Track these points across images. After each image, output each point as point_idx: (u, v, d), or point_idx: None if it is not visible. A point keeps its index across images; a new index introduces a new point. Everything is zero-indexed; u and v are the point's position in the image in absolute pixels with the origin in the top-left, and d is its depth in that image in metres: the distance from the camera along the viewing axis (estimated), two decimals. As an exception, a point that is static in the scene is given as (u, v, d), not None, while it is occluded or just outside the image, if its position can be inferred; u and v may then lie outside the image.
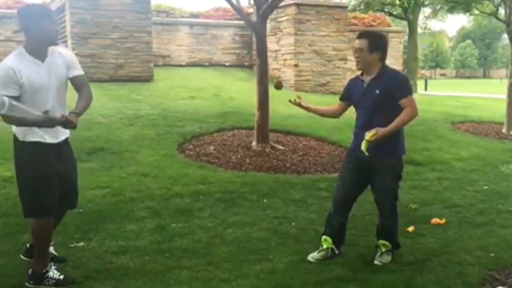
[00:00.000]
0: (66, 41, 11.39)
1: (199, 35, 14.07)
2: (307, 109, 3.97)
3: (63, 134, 3.31)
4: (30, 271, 3.32)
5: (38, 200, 3.21)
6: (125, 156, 6.62)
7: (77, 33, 10.96)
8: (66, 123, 3.06)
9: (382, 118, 3.58)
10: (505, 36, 12.79)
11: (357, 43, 3.70)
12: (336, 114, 4.06)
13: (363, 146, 3.57)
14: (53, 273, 3.31)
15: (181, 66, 13.54)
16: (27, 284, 3.28)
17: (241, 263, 3.71)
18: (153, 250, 3.89)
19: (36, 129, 3.14)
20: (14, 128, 3.20)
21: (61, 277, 3.31)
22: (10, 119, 3.00)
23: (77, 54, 10.87)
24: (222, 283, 3.38)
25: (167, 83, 11.65)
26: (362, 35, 3.74)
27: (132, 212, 4.80)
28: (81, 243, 4.01)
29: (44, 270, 3.29)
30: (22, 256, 3.59)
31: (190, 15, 14.76)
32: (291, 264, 3.72)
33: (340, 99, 4.00)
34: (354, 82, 3.88)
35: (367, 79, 3.72)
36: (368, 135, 3.52)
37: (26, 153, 3.20)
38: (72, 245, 3.95)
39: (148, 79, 11.66)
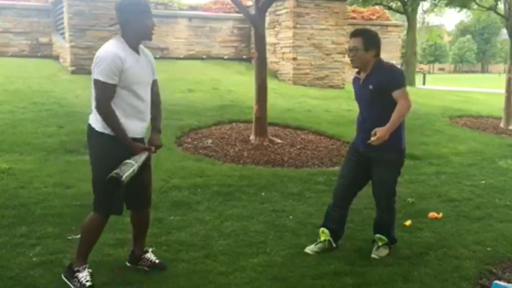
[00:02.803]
0: (64, 33, 11.34)
1: (197, 28, 14.02)
2: None
3: None
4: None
5: None
6: (123, 148, 6.59)
7: (75, 25, 10.90)
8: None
9: (380, 112, 3.61)
10: (504, 31, 12.80)
11: (352, 41, 3.68)
12: None
13: None
14: (83, 276, 3.11)
15: (179, 59, 13.50)
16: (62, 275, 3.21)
17: (239, 256, 3.72)
18: (151, 243, 3.88)
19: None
20: None
21: (88, 283, 3.08)
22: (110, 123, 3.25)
23: (74, 46, 11.02)
24: (219, 276, 3.38)
25: (165, 76, 11.57)
26: (356, 33, 3.72)
27: (130, 205, 4.78)
28: (79, 235, 3.99)
29: (76, 268, 3.15)
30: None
31: (188, 7, 14.69)
32: (288, 257, 3.73)
33: (355, 100, 3.97)
34: (354, 81, 3.90)
35: (363, 76, 3.74)
36: (371, 140, 3.54)
37: None
38: (70, 237, 3.94)
39: (146, 71, 11.59)
